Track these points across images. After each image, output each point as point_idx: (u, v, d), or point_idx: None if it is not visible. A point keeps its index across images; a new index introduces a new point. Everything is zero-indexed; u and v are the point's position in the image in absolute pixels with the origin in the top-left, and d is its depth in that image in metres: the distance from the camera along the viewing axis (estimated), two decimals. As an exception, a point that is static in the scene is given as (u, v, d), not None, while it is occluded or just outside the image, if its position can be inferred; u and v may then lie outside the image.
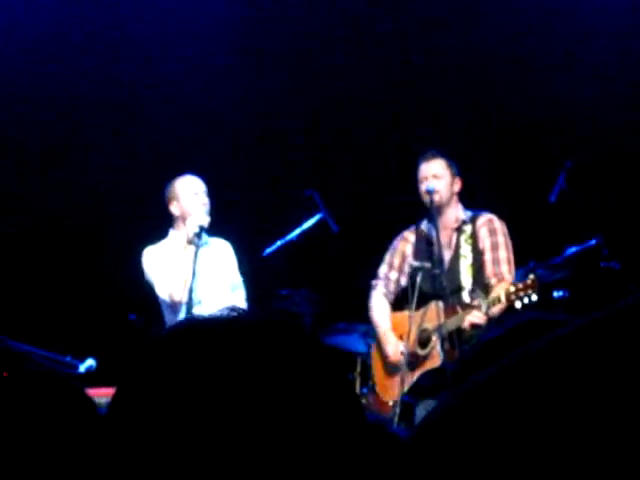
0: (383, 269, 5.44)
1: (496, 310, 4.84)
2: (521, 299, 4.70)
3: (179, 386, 0.85)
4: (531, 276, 4.79)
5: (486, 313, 4.81)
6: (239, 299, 5.25)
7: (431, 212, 5.15)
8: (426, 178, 5.17)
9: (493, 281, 5.10)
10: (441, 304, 5.00)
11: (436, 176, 5.17)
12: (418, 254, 5.26)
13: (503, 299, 4.78)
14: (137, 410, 0.86)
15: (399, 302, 5.41)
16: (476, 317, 4.84)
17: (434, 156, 5.24)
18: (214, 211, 5.23)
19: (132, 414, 0.86)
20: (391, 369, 5.25)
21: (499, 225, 5.24)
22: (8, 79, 6.87)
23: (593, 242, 5.89)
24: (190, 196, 5.17)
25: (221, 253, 5.31)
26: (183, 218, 5.17)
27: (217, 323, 0.90)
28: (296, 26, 7.03)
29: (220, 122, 6.98)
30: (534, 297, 4.68)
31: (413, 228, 5.41)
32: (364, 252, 5.77)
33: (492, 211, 5.43)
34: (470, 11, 7.03)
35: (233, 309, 0.92)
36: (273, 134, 7.04)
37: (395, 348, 5.17)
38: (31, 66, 6.90)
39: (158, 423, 0.84)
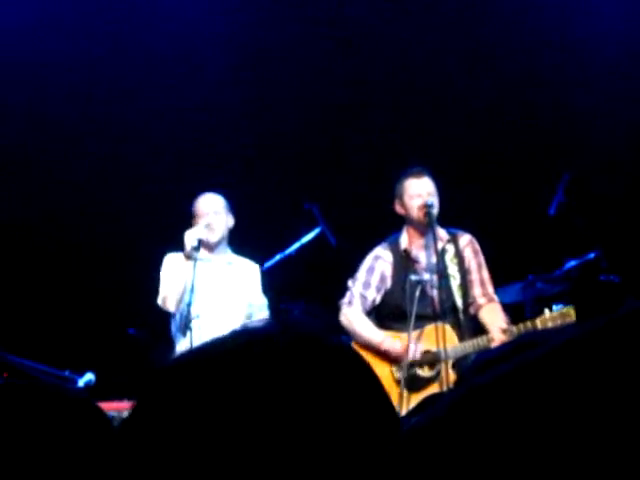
0: (358, 288, 5.23)
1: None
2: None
3: (207, 403, 0.83)
4: (570, 308, 4.83)
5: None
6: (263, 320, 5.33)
7: (431, 227, 5.07)
8: (420, 195, 5.10)
9: (482, 301, 5.15)
10: (448, 326, 4.97)
11: (430, 193, 5.11)
12: (400, 273, 5.17)
13: (539, 326, 4.80)
14: (160, 427, 0.85)
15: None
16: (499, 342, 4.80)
17: (423, 173, 5.17)
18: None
19: (153, 431, 0.85)
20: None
21: (478, 245, 5.28)
22: (11, 82, 6.87)
23: (592, 255, 5.89)
24: (202, 215, 5.25)
25: (244, 274, 5.37)
26: None
27: (242, 343, 0.89)
28: (297, 39, 7.05)
29: (219, 136, 6.99)
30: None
31: (386, 245, 5.28)
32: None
33: (492, 225, 5.43)
34: (470, 20, 7.05)
35: (246, 327, 0.91)
36: (272, 147, 7.04)
37: (413, 352, 4.93)
38: (37, 78, 6.91)
39: (180, 441, 0.83)
